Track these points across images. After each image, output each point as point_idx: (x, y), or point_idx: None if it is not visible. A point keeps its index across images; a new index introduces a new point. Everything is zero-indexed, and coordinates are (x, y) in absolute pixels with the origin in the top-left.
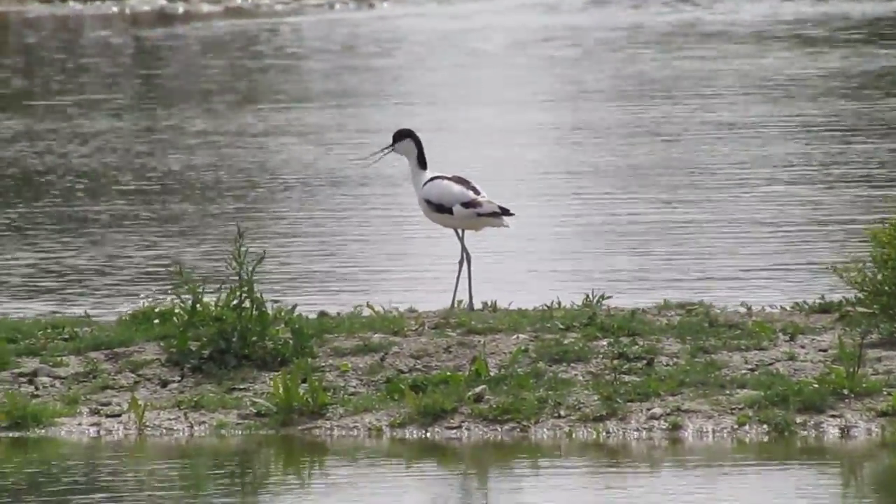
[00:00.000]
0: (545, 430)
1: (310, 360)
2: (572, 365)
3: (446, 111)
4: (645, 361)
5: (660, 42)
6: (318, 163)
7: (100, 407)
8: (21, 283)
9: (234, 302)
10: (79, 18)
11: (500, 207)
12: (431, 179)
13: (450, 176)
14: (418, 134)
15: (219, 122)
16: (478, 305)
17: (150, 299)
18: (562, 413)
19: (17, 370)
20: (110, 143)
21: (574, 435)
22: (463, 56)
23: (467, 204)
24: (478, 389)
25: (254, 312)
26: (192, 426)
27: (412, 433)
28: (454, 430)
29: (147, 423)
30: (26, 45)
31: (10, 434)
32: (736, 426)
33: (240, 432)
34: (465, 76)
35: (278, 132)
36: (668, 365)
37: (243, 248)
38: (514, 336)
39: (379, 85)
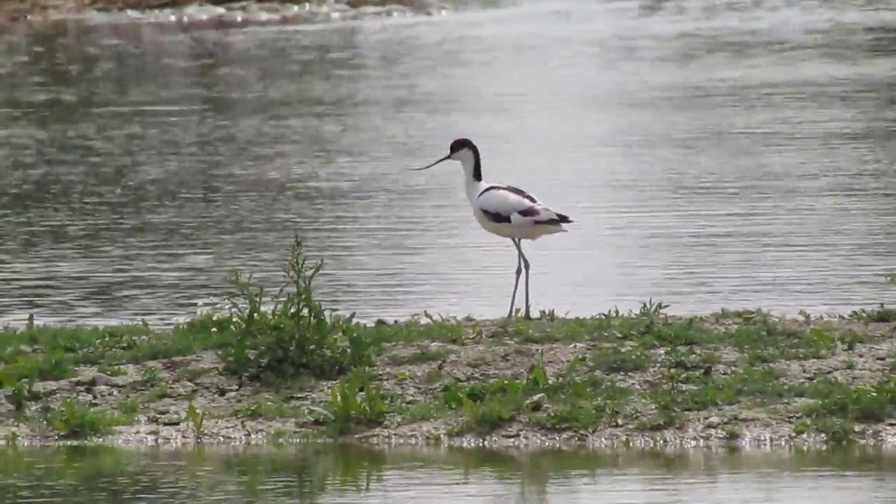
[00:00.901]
0: (602, 438)
1: (367, 368)
2: (630, 374)
3: (508, 119)
4: (702, 370)
5: (718, 49)
6: (378, 171)
7: (158, 415)
8: (80, 292)
9: (292, 310)
10: (136, 27)
11: (558, 214)
12: (487, 190)
13: (504, 186)
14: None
15: (280, 129)
16: (535, 314)
17: (207, 308)
18: (619, 422)
19: (75, 379)
20: (175, 151)
21: (631, 444)
22: (522, 62)
23: (525, 212)
24: (535, 398)
25: (312, 321)
26: (249, 434)
27: (469, 442)
28: (512, 439)
29: (205, 432)
30: (85, 53)
31: (69, 442)
32: (794, 435)
33: (297, 441)
34: (525, 82)
35: (337, 139)
36: (725, 373)
37: (301, 257)
38: (572, 345)
39: (443, 91)
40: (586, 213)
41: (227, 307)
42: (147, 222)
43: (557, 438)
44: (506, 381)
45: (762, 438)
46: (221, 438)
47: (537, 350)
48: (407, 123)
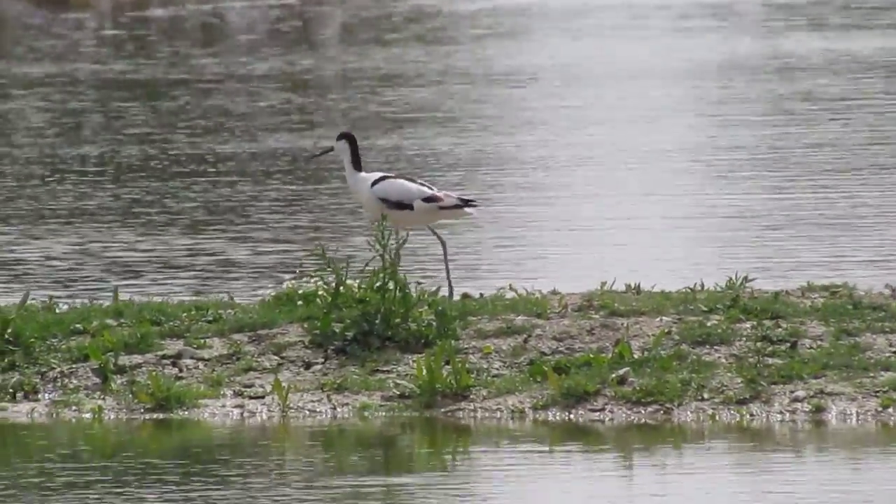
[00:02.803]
0: (688, 412)
1: (453, 342)
2: (715, 347)
3: (600, 88)
4: (788, 344)
5: (811, 20)
6: (459, 147)
7: (243, 389)
8: (168, 265)
9: (378, 284)
10: None
11: (461, 199)
12: (382, 179)
13: (394, 175)
14: (355, 134)
15: (374, 102)
16: (621, 287)
17: (293, 281)
18: (705, 395)
19: (161, 352)
20: (266, 125)
21: (717, 417)
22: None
23: (428, 199)
24: (621, 371)
25: (397, 294)
26: (335, 408)
27: (555, 415)
28: (597, 413)
29: (290, 405)
30: (172, 24)
31: (155, 416)
32: (880, 409)
33: (383, 414)
34: (610, 53)
35: (419, 113)
36: (811, 347)
37: (387, 231)
38: (658, 318)
39: (551, 67)
40: (675, 187)
41: (313, 280)
42: (258, 195)
43: (643, 412)
44: (591, 355)
45: (848, 413)
46: (307, 412)
47: (623, 324)
48: (485, 96)
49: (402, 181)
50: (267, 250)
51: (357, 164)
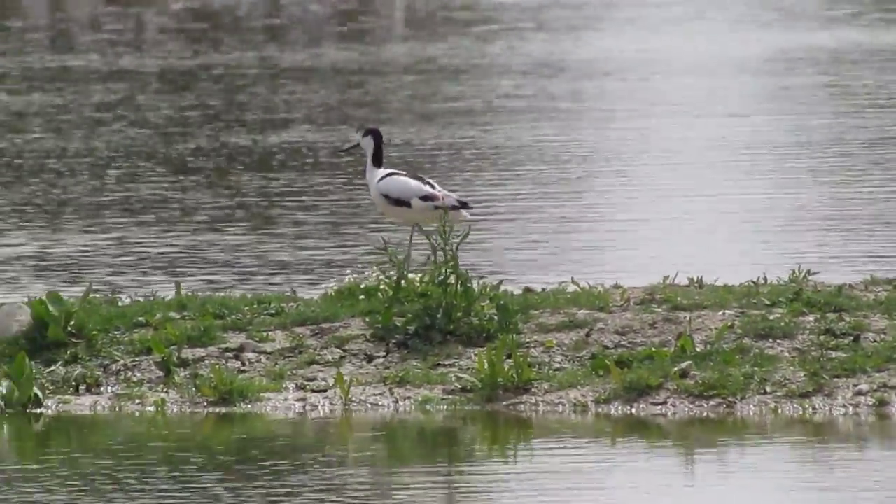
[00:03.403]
0: (751, 406)
1: (515, 335)
2: (778, 341)
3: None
4: (851, 337)
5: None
6: (526, 139)
7: (305, 382)
8: (229, 260)
9: (440, 278)
10: None
11: (459, 201)
12: (388, 175)
13: (404, 172)
14: (381, 130)
15: (438, 95)
16: (684, 281)
17: (355, 275)
18: (767, 389)
19: (223, 345)
20: (333, 114)
21: (780, 411)
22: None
23: (425, 197)
24: (683, 365)
25: (459, 288)
26: (397, 401)
27: (617, 409)
28: (659, 406)
29: (352, 399)
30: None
31: (217, 409)
32: None
33: (444, 408)
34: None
35: (493, 106)
36: (875, 341)
37: (448, 225)
38: (720, 312)
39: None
40: (740, 181)
41: (374, 275)
42: (323, 187)
43: (705, 406)
44: (653, 349)
45: None
46: (369, 405)
47: (685, 317)
48: (560, 87)
49: (404, 178)
50: (328, 245)
51: (377, 160)
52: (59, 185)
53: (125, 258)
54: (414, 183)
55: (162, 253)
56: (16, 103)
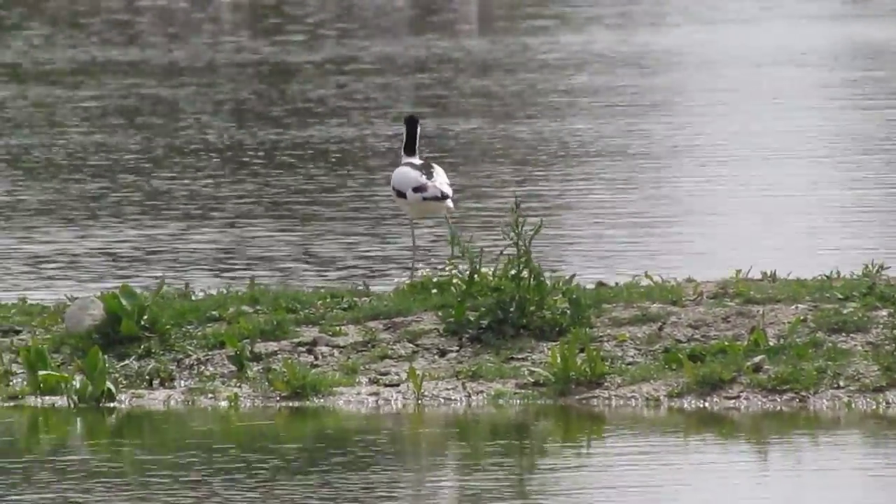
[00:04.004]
0: (824, 400)
1: (587, 329)
2: (851, 335)
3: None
4: None
5: None
6: (601, 133)
7: (378, 376)
8: (298, 255)
9: (513, 272)
10: None
11: (441, 192)
12: (401, 166)
13: (419, 162)
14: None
15: (510, 90)
16: (757, 275)
17: (427, 269)
18: (841, 383)
19: (296, 340)
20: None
21: (853, 405)
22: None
23: (417, 188)
24: (756, 359)
25: (532, 282)
26: (469, 396)
27: (690, 403)
28: (732, 400)
29: (425, 393)
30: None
31: (290, 404)
32: None
33: (517, 402)
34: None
35: (565, 99)
36: None
37: (521, 219)
38: (794, 306)
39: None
40: (810, 174)
41: (447, 269)
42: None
43: (778, 400)
44: (726, 343)
45: None
46: (441, 400)
47: (758, 311)
48: (634, 80)
49: (405, 169)
50: (398, 237)
51: (409, 149)
52: (124, 179)
53: (192, 252)
54: (413, 173)
55: (224, 248)
56: (81, 97)
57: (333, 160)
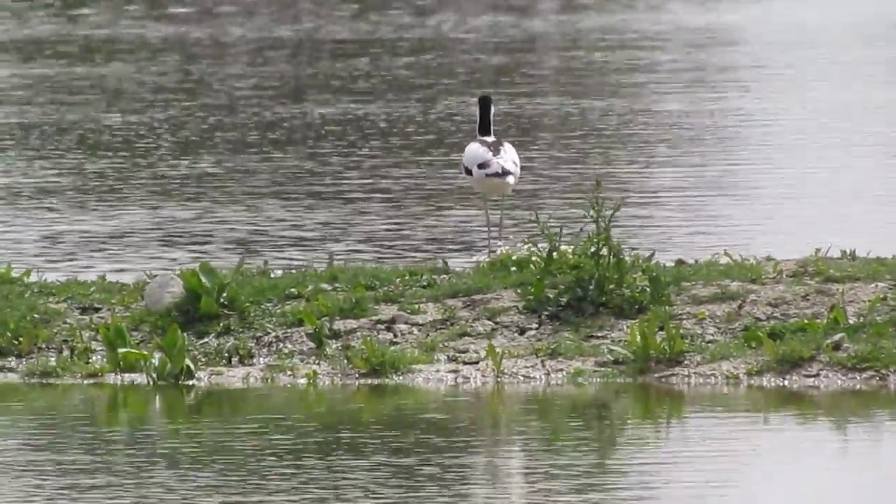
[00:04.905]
0: None
1: (667, 307)
2: None
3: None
4: None
5: None
6: (684, 114)
7: (457, 354)
8: (380, 235)
9: (592, 250)
10: None
11: (502, 168)
12: (472, 143)
13: (490, 140)
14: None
15: (590, 67)
16: (836, 254)
17: (506, 247)
18: None
19: (375, 317)
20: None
21: None
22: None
23: (482, 165)
24: (836, 337)
25: (611, 260)
26: (548, 374)
27: (769, 381)
28: (812, 379)
29: (504, 371)
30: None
31: (369, 381)
32: None
33: (597, 380)
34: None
35: (644, 81)
36: None
37: (601, 197)
38: (873, 284)
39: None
40: (889, 152)
41: (526, 246)
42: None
43: (858, 378)
44: (806, 321)
45: None
46: (521, 377)
47: (838, 290)
48: (712, 58)
49: (473, 146)
50: (477, 216)
51: (482, 128)
52: (196, 157)
53: (275, 230)
54: (481, 150)
55: (300, 225)
56: (144, 77)
57: (413, 137)
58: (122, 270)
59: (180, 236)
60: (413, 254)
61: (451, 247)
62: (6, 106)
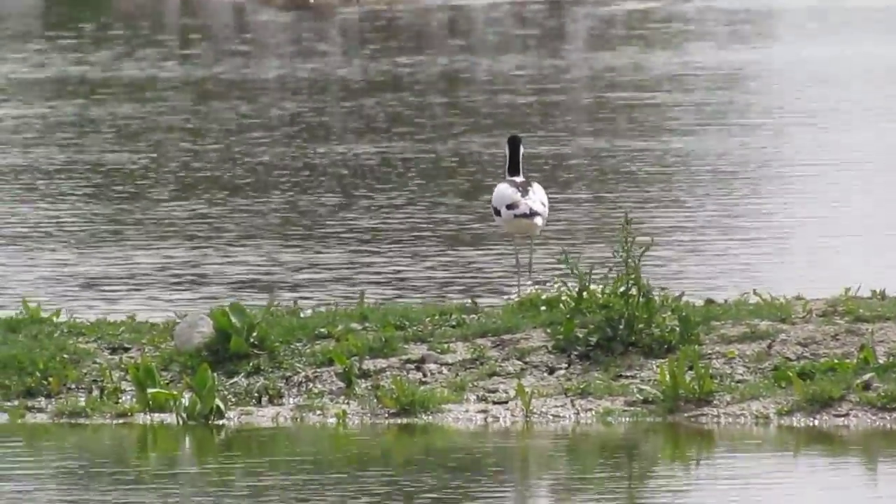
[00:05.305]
0: None
1: (696, 347)
2: None
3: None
4: None
5: None
6: (711, 154)
7: (487, 394)
8: (409, 274)
9: (622, 289)
10: (467, 8)
11: (530, 209)
12: (501, 183)
13: (519, 181)
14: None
15: (618, 104)
16: (866, 293)
17: (536, 287)
18: None
19: (405, 357)
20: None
21: None
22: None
23: (510, 205)
24: (866, 377)
25: (641, 300)
26: (578, 413)
27: (799, 421)
28: (842, 418)
29: (533, 410)
30: (422, 31)
31: (399, 420)
32: None
33: (626, 420)
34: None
35: (672, 116)
36: None
37: (630, 236)
38: None
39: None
40: None
41: (556, 286)
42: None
43: (888, 418)
44: (835, 361)
45: None
46: (550, 417)
47: (867, 329)
48: (740, 96)
49: (502, 186)
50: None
51: (512, 168)
52: (235, 196)
53: (304, 272)
54: (509, 191)
55: (331, 266)
56: (197, 113)
57: (443, 175)
58: (150, 309)
59: (205, 276)
60: (442, 293)
61: (480, 286)
62: (28, 146)
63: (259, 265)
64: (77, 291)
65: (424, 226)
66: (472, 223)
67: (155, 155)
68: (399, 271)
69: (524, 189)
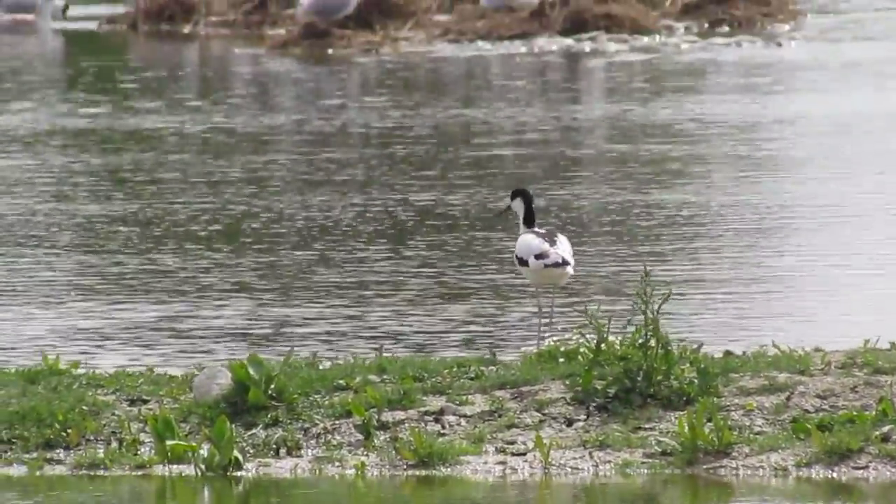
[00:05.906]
0: None
1: (715, 399)
2: None
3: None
4: None
5: None
6: (728, 205)
7: (505, 445)
8: (426, 326)
9: (640, 341)
10: (485, 58)
11: (562, 258)
12: (522, 235)
13: (542, 231)
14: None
15: (632, 154)
16: (885, 345)
17: (555, 339)
18: None
19: (423, 409)
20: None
21: None
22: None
23: (539, 255)
24: (885, 429)
25: (659, 351)
26: (597, 465)
27: (818, 473)
28: (861, 470)
29: (552, 462)
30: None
31: (417, 472)
32: None
33: (645, 472)
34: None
35: (685, 164)
36: None
37: (649, 288)
38: None
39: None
40: None
41: (574, 338)
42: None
43: None
44: (854, 413)
45: None
46: (569, 469)
47: (886, 381)
48: (754, 146)
49: (528, 237)
50: (523, 304)
51: (528, 221)
52: (258, 250)
53: (323, 323)
54: (536, 241)
55: (348, 318)
56: (221, 165)
57: (458, 226)
58: (168, 362)
59: (222, 329)
60: (460, 345)
61: (498, 338)
62: (42, 196)
63: (276, 318)
64: (96, 342)
65: (444, 279)
66: (492, 275)
67: (177, 206)
68: (416, 323)
69: (550, 239)
